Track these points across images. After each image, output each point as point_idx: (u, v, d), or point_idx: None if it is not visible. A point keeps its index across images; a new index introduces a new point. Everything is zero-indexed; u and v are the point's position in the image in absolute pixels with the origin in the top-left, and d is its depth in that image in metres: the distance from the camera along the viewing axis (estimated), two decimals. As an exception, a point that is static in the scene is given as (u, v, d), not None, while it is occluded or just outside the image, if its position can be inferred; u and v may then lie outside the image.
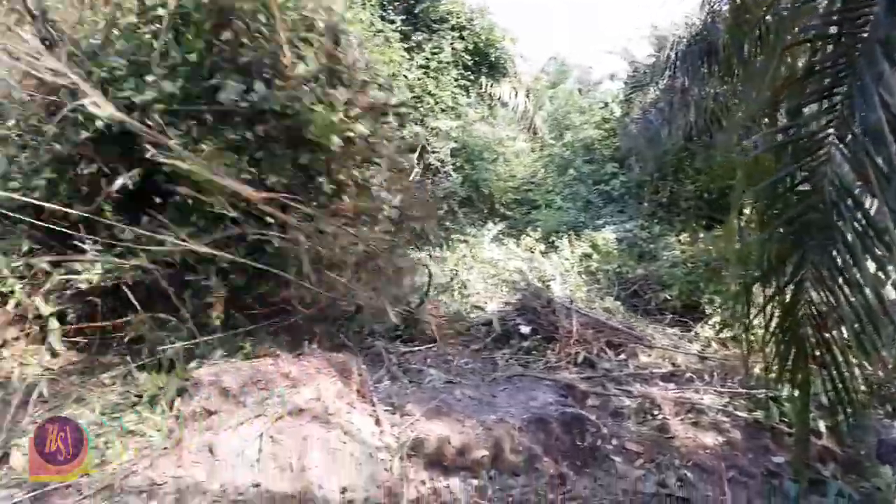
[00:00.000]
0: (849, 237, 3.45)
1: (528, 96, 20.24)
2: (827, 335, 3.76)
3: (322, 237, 6.21)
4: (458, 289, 10.23)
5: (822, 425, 5.17)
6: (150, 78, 5.83)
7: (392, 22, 16.44)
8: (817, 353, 3.81)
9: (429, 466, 4.60)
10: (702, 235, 12.42)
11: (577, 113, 20.80)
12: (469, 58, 18.27)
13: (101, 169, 6.00)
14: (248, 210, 5.86)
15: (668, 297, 10.41)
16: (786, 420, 5.58)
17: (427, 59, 17.06)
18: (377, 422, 5.07)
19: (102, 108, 5.27)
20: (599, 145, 18.08)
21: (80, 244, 5.82)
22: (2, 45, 5.79)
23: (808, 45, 4.11)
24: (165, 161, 5.34)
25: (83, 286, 5.77)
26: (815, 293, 3.72)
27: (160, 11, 6.15)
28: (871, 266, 3.44)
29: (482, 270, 11.44)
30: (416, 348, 7.43)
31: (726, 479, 4.80)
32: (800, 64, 4.19)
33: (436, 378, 6.44)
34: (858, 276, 3.44)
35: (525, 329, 7.94)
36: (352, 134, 6.33)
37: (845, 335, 3.71)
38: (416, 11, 17.78)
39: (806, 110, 3.92)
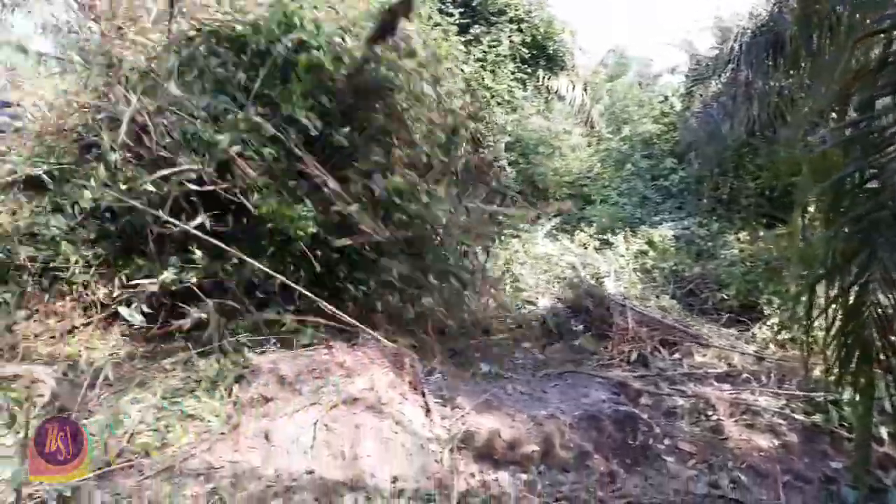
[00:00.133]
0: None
1: (585, 90, 20.03)
2: (894, 338, 3.63)
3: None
4: (511, 284, 10.19)
5: (884, 431, 4.99)
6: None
7: (450, 15, 16.43)
8: (882, 356, 3.68)
9: (478, 459, 4.61)
10: (762, 234, 12.11)
11: (635, 107, 20.45)
12: (526, 51, 18.18)
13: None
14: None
15: (726, 297, 10.18)
16: (846, 425, 5.40)
17: (484, 52, 17.03)
18: (428, 413, 5.10)
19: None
20: (658, 140, 17.72)
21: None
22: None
23: (882, 36, 3.95)
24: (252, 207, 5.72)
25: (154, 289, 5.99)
26: (882, 295, 3.59)
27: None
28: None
29: (535, 266, 11.37)
30: (468, 341, 7.43)
31: (781, 483, 4.68)
32: (872, 56, 4.04)
33: (487, 372, 6.44)
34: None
35: (578, 326, 7.88)
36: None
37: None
38: (474, 4, 17.76)
39: (878, 104, 3.78)
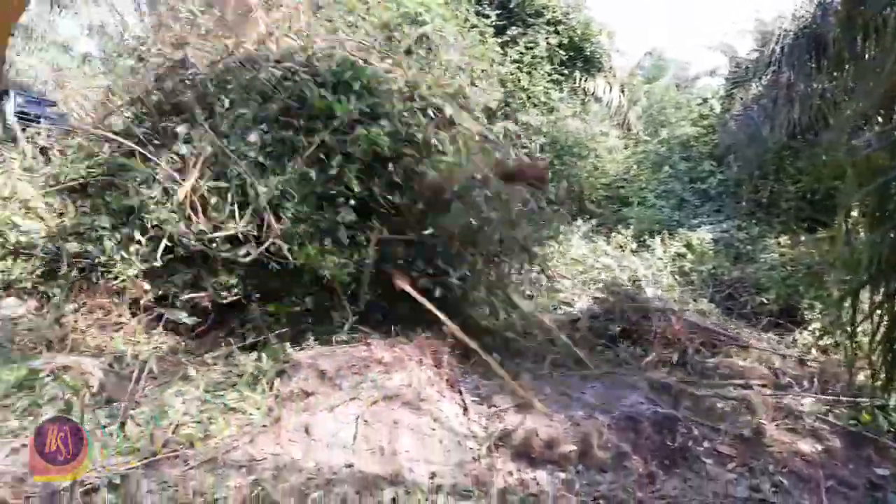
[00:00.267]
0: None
1: (622, 92, 19.90)
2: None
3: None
4: (546, 285, 10.17)
5: (932, 438, 4.90)
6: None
7: (487, 17, 16.44)
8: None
9: (516, 458, 4.63)
10: (803, 238, 11.93)
11: (673, 109, 20.26)
12: (563, 52, 18.11)
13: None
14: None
15: (765, 301, 10.07)
16: (893, 430, 5.31)
17: (521, 53, 17.00)
18: (465, 411, 5.14)
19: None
20: (696, 142, 17.55)
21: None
22: None
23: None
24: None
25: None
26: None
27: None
28: None
29: (571, 267, 11.33)
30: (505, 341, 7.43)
31: (824, 488, 4.61)
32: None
33: (524, 371, 6.44)
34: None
35: (615, 328, 7.85)
36: None
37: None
38: (511, 6, 17.76)
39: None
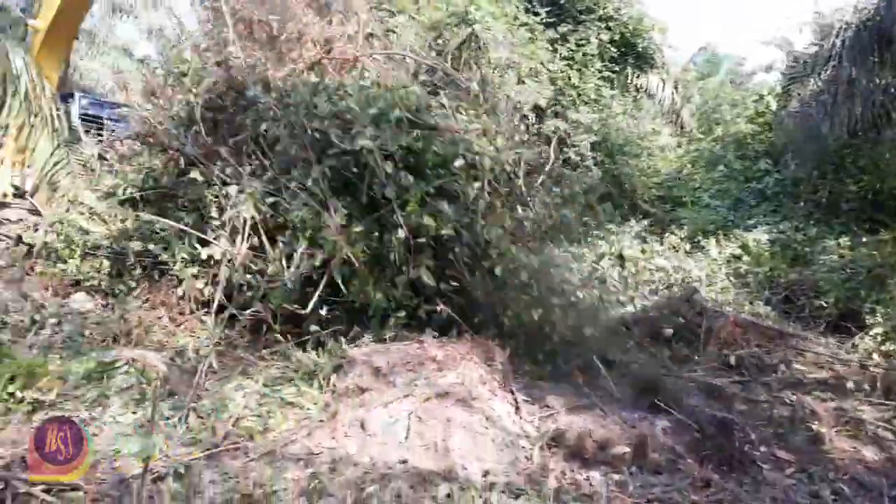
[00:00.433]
0: None
1: (675, 88, 19.57)
2: None
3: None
4: (598, 285, 10.08)
5: None
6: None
7: (536, 14, 16.36)
8: None
9: (569, 458, 4.62)
10: (864, 239, 11.56)
11: (728, 106, 19.87)
12: (615, 49, 17.91)
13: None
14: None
15: (824, 304, 9.81)
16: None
17: (571, 50, 16.87)
18: (517, 409, 5.15)
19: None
20: (752, 140, 17.16)
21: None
22: None
23: None
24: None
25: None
26: None
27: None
28: None
29: (623, 267, 11.22)
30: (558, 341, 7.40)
31: (888, 497, 4.49)
32: None
33: (576, 372, 6.43)
34: None
35: (669, 329, 7.75)
36: None
37: None
38: (561, 2, 17.64)
39: None
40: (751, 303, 10.09)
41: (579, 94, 16.68)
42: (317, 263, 6.04)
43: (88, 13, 13.54)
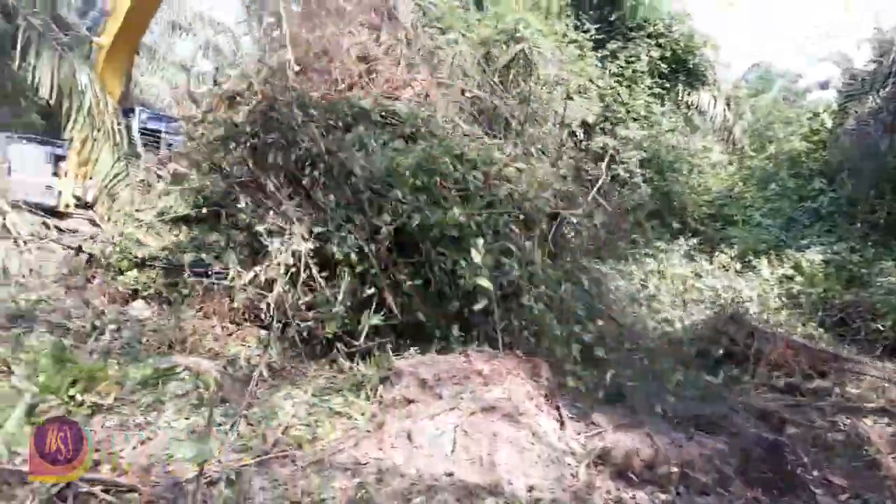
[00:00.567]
0: None
1: (727, 105, 19.29)
2: None
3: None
4: (646, 303, 9.99)
5: None
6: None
7: (586, 31, 16.34)
8: None
9: (615, 476, 4.58)
10: (926, 261, 11.22)
11: (781, 123, 19.50)
12: (665, 65, 17.77)
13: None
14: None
15: (881, 328, 9.52)
16: None
17: (621, 67, 16.80)
18: (562, 426, 5.12)
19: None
20: (806, 158, 16.80)
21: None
22: None
23: None
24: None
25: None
26: None
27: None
28: None
29: (671, 286, 11.08)
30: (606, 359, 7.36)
31: (947, 527, 4.35)
32: None
33: (625, 391, 6.37)
34: None
35: (719, 350, 7.63)
36: None
37: None
38: (611, 19, 17.60)
39: None
40: (804, 324, 9.86)
41: (628, 111, 16.57)
42: (367, 293, 6.23)
43: (148, 30, 14.05)
